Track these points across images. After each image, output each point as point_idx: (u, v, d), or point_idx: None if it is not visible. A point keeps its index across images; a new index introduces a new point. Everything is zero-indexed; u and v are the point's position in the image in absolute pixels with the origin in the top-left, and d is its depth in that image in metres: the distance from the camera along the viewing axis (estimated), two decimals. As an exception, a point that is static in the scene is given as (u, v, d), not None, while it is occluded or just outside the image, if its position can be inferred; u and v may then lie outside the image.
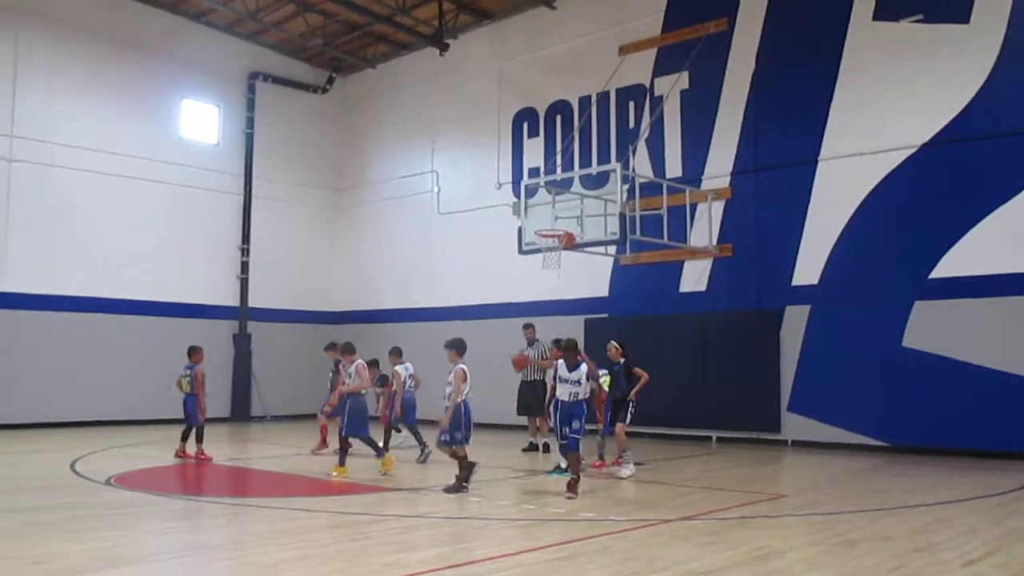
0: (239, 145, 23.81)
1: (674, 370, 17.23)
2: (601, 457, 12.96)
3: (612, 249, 17.44)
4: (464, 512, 9.06)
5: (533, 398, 14.76)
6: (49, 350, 19.51)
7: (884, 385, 15.11)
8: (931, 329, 14.76)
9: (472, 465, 10.31)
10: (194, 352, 13.91)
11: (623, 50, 18.99)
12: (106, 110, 21.11)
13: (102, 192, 20.68)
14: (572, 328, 17.59)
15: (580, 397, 10.23)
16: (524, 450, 15.02)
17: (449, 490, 10.15)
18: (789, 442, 16.17)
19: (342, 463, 11.60)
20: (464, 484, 10.20)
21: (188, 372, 13.69)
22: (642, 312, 18.28)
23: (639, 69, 18.81)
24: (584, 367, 10.29)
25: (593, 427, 13.34)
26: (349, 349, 12.33)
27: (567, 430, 10.10)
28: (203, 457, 13.43)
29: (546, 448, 15.05)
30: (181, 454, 13.50)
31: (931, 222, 14.95)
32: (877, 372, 15.21)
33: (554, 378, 10.92)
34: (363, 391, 12.00)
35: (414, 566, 6.49)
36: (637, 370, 12.68)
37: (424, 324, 22.45)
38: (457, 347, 10.72)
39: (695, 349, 17.33)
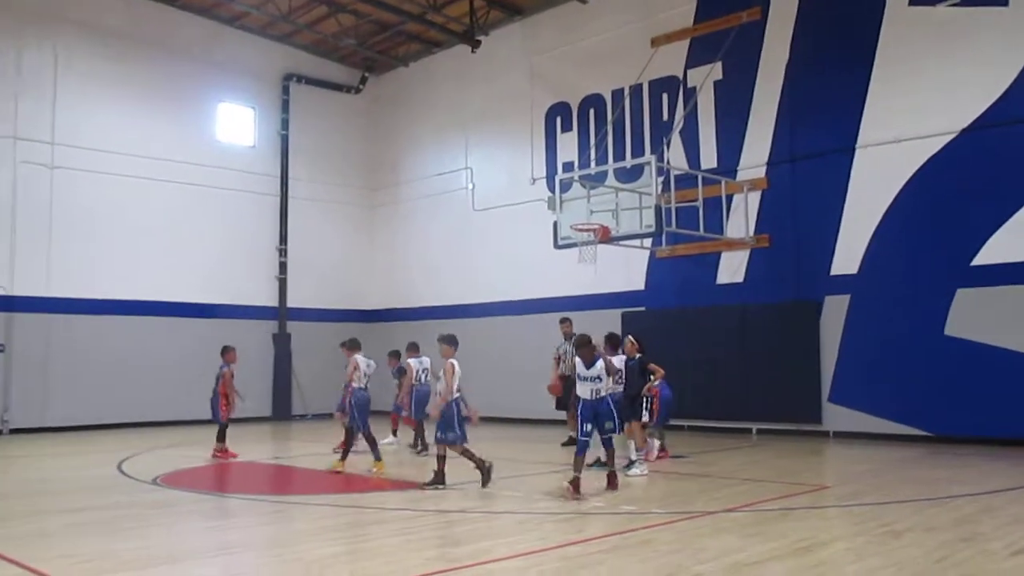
0: (275, 147, 24.04)
1: (713, 362, 17.22)
2: (663, 448, 12.96)
3: (648, 242, 17.40)
4: (505, 507, 9.10)
5: (569, 393, 14.74)
6: (92, 353, 19.82)
7: (926, 374, 14.93)
8: (973, 317, 14.55)
9: (486, 466, 10.27)
10: (226, 352, 14.05)
11: (655, 42, 18.91)
12: (144, 115, 21.40)
13: (141, 196, 20.96)
14: (609, 322, 17.56)
15: (603, 393, 9.90)
16: (564, 444, 15.02)
17: (426, 486, 10.16)
18: (831, 433, 16.03)
19: (378, 458, 11.78)
20: (439, 484, 10.10)
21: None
22: (679, 304, 18.21)
23: (672, 61, 18.72)
24: (601, 363, 9.97)
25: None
26: (353, 345, 12.59)
27: (587, 427, 9.77)
28: (222, 455, 13.58)
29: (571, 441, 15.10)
30: (219, 453, 13.67)
31: (972, 208, 14.73)
32: (919, 361, 15.03)
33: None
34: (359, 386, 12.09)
35: (458, 560, 6.54)
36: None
37: (460, 321, 22.53)
38: (451, 342, 10.60)
39: (733, 341, 17.23)
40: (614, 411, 9.96)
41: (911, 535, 7.26)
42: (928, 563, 6.28)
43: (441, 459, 10.26)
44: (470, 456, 10.28)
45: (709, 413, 17.23)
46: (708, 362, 17.25)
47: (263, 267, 23.50)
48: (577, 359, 10.18)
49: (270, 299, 23.51)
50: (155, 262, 21.05)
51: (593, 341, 10.15)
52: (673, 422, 13.97)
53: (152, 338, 20.81)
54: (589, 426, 9.76)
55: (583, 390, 9.90)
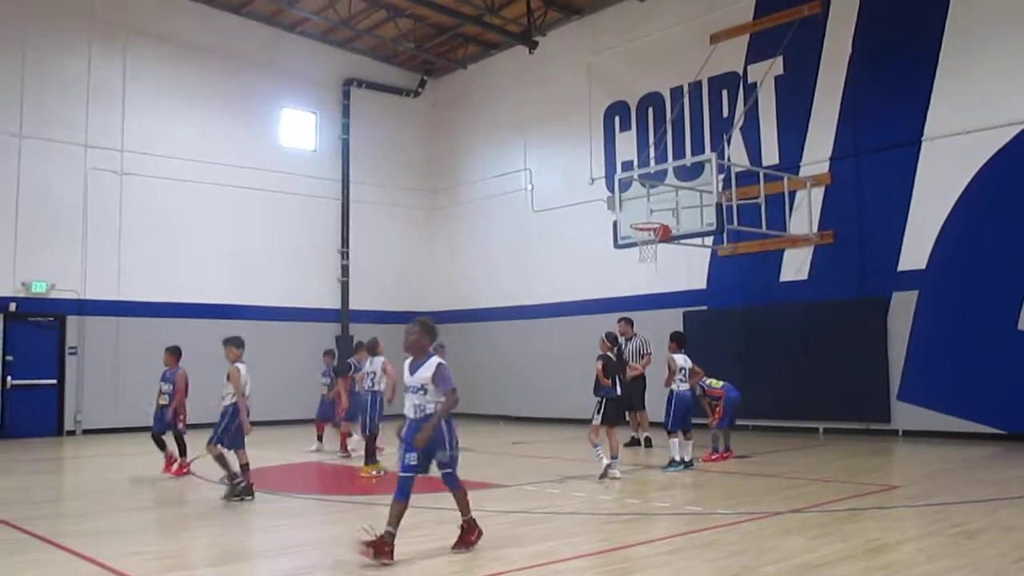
0: (336, 151, 24.34)
1: (777, 361, 17.00)
2: (716, 450, 12.84)
3: (709, 240, 17.23)
4: (568, 507, 9.08)
5: (634, 393, 14.67)
6: (161, 355, 20.16)
7: (999, 371, 14.56)
8: (1048, 312, 14.17)
9: (236, 482, 9.61)
10: (171, 352, 12.76)
11: (714, 38, 18.72)
12: (209, 122, 21.87)
13: (207, 201, 21.41)
14: (672, 321, 17.49)
15: (429, 409, 6.92)
16: (626, 445, 14.98)
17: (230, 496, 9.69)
18: (900, 432, 15.72)
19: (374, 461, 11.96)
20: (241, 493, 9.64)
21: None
22: (742, 303, 18.02)
23: (731, 57, 18.52)
24: (428, 368, 6.96)
25: (703, 422, 13.29)
26: (371, 347, 12.79)
27: (409, 459, 6.93)
28: (173, 469, 12.13)
29: (648, 442, 15.02)
30: (182, 469, 12.19)
31: (1045, 200, 14.35)
32: (991, 358, 14.65)
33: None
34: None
35: (522, 560, 6.55)
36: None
37: (520, 322, 22.62)
38: (237, 344, 10.27)
39: (798, 339, 16.98)
40: (447, 435, 6.97)
41: (985, 536, 7.09)
42: (1005, 564, 6.12)
43: (235, 463, 9.83)
44: (224, 464, 9.75)
45: (774, 412, 17.00)
46: (772, 361, 17.04)
47: (326, 270, 23.81)
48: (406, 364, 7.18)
49: (333, 302, 23.80)
50: (220, 266, 21.48)
51: (418, 331, 7.16)
52: (739, 422, 13.81)
53: (217, 340, 21.08)
54: (414, 457, 6.87)
55: (406, 405, 7.08)
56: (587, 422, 11.58)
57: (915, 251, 15.79)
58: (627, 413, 15.27)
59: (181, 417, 12.38)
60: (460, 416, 16.93)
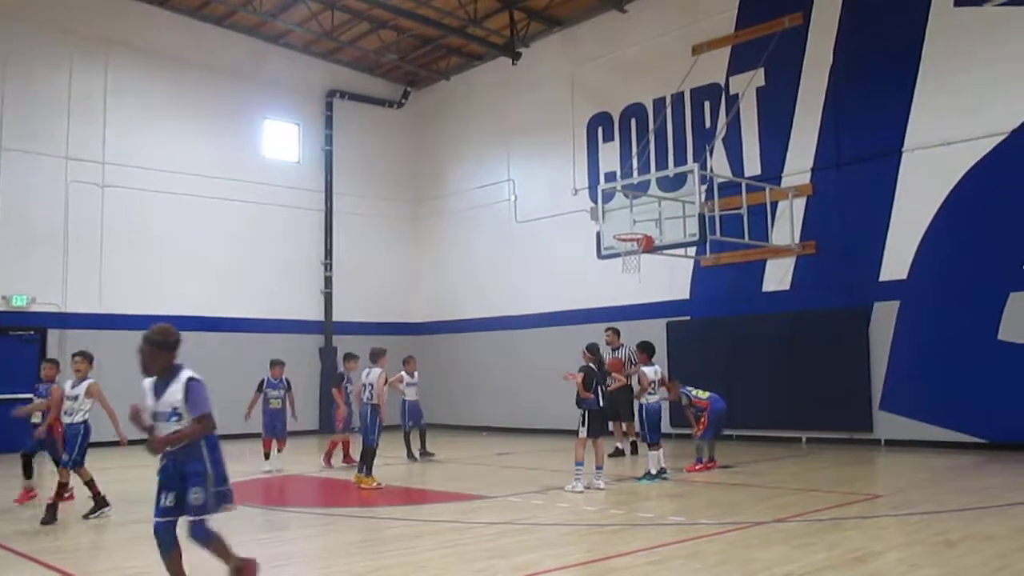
0: (319, 162, 24.30)
1: (760, 371, 17.06)
2: (700, 460, 12.85)
3: (692, 251, 17.23)
4: (552, 519, 9.07)
5: (620, 403, 14.68)
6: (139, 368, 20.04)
7: (980, 380, 14.64)
8: (1028, 321, 14.27)
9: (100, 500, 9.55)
10: (47, 364, 11.43)
11: (696, 50, 18.82)
12: (192, 133, 21.78)
13: (189, 213, 21.31)
14: (655, 332, 17.53)
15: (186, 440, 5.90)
16: (610, 455, 14.98)
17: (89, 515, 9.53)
18: (882, 441, 15.78)
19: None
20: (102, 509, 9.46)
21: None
22: (725, 313, 18.07)
23: (713, 68, 18.62)
24: (176, 388, 5.95)
25: (687, 432, 13.31)
26: (373, 356, 12.59)
27: (164, 499, 5.74)
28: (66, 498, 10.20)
29: (634, 448, 15.09)
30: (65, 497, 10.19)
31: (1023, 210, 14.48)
32: (973, 367, 14.74)
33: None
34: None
35: (506, 572, 6.53)
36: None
37: (504, 332, 22.62)
38: (89, 358, 9.84)
39: (781, 349, 17.03)
40: (208, 466, 5.79)
41: (967, 544, 7.12)
42: (986, 572, 6.15)
43: (91, 483, 9.65)
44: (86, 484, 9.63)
45: (758, 423, 17.04)
46: (755, 371, 17.09)
47: (309, 282, 23.72)
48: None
49: (316, 313, 23.71)
50: (203, 278, 21.34)
51: (147, 349, 6.05)
52: (723, 432, 13.84)
53: (201, 353, 20.88)
54: (170, 497, 5.70)
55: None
56: (572, 433, 11.57)
57: (896, 261, 15.89)
58: (612, 423, 15.33)
59: (52, 435, 10.60)
60: (442, 428, 16.90)
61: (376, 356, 12.51)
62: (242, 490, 11.89)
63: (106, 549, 8.03)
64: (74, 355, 9.98)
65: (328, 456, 14.99)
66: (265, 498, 11.75)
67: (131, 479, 12.56)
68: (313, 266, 23.85)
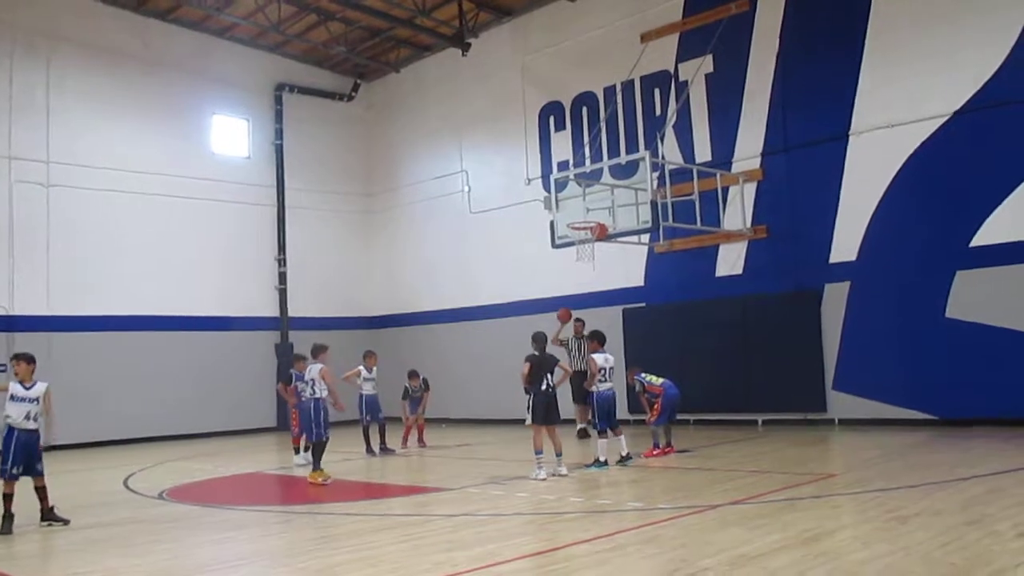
0: (270, 157, 24.06)
1: (715, 355, 17.23)
2: (656, 446, 12.93)
3: (645, 238, 17.31)
4: (511, 508, 9.09)
5: (576, 388, 14.77)
6: (95, 369, 19.78)
7: (929, 358, 14.93)
8: (974, 298, 14.55)
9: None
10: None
11: (645, 37, 18.90)
12: (139, 130, 21.43)
13: (138, 211, 20.99)
14: (611, 319, 17.64)
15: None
16: (580, 437, 15.39)
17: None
18: (836, 421, 16.03)
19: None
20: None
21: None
22: (679, 299, 18.22)
23: (662, 55, 18.72)
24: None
25: (641, 418, 13.40)
26: (314, 352, 12.32)
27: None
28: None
29: (583, 433, 15.28)
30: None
31: (968, 190, 14.74)
32: (921, 345, 15.03)
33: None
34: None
35: (465, 564, 6.53)
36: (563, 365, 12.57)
37: (461, 324, 22.60)
38: (30, 360, 9.28)
39: (735, 333, 17.22)
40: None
41: (918, 520, 7.26)
42: (935, 547, 6.27)
43: (8, 497, 8.96)
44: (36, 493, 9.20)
45: (714, 406, 17.22)
46: (710, 355, 17.26)
47: (263, 278, 23.51)
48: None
49: (271, 309, 23.52)
50: (154, 276, 21.05)
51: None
52: (679, 416, 13.95)
53: (154, 353, 20.81)
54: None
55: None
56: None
57: (846, 243, 16.13)
58: (575, 407, 15.47)
59: None
60: (401, 422, 16.87)
61: (316, 351, 12.36)
62: (200, 490, 11.80)
63: (62, 553, 7.90)
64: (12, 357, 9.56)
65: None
66: (221, 497, 11.64)
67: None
68: (266, 262, 23.64)
